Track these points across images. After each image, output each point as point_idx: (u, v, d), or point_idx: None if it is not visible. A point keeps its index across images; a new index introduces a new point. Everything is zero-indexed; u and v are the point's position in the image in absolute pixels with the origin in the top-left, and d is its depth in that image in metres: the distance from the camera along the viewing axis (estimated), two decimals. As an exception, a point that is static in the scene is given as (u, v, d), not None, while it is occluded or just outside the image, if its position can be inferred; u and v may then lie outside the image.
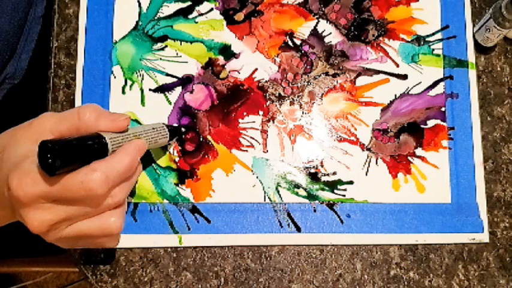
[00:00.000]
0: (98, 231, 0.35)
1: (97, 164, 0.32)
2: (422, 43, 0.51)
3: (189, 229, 0.46)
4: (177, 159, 0.47)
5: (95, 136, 0.33)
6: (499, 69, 0.52)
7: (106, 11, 0.50)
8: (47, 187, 0.32)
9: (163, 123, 0.44)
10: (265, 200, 0.47)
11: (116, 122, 0.35)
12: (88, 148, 0.33)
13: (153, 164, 0.47)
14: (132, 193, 0.46)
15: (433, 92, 0.50)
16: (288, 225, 0.47)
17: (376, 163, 0.49)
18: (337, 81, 0.50)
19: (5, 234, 0.63)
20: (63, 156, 0.31)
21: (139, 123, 0.48)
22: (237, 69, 0.49)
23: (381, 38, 0.51)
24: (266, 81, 0.49)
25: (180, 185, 0.47)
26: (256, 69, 0.50)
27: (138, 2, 0.50)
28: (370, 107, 0.50)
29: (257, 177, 0.47)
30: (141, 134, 0.38)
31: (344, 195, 0.48)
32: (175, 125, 0.47)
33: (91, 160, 0.32)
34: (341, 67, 0.50)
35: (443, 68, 0.51)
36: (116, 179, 0.33)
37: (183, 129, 0.47)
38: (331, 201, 0.47)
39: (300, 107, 0.49)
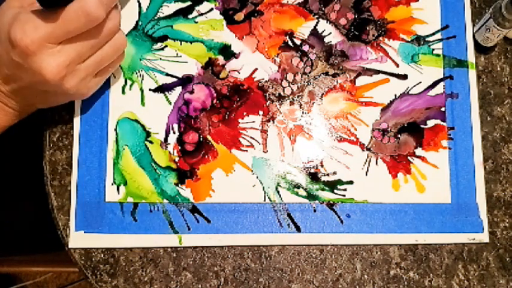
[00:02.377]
0: (112, 52, 0.38)
1: None
2: (422, 43, 0.51)
3: (189, 229, 0.46)
4: (177, 159, 0.47)
5: None
6: (499, 69, 0.52)
7: (106, 11, 0.50)
8: (50, 26, 0.33)
9: None
10: (265, 200, 0.47)
11: None
12: None
13: (153, 164, 0.47)
14: (132, 193, 0.46)
15: (433, 92, 0.50)
16: (288, 225, 0.47)
17: (376, 163, 0.49)
18: (337, 81, 0.50)
19: (5, 234, 0.63)
20: None
21: (139, 123, 0.48)
22: (237, 69, 0.49)
23: (380, 38, 0.51)
24: (266, 81, 0.49)
25: (180, 185, 0.47)
26: (256, 69, 0.50)
27: (138, 2, 0.50)
28: (370, 107, 0.50)
29: (257, 177, 0.47)
30: None
31: (344, 195, 0.48)
32: None
33: None
34: (341, 67, 0.50)
35: (443, 68, 0.51)
36: (109, 1, 0.35)
37: None
38: (331, 201, 0.47)
39: (300, 107, 0.49)
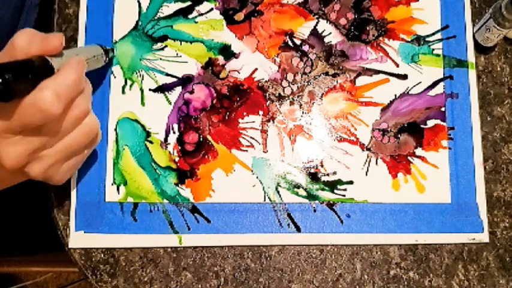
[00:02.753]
0: (82, 137, 0.36)
1: (45, 83, 0.32)
2: (422, 43, 0.51)
3: (189, 229, 0.46)
4: (177, 159, 0.47)
5: (36, 59, 0.33)
6: (499, 69, 0.52)
7: (106, 11, 0.50)
8: (5, 119, 0.31)
9: (98, 44, 0.45)
10: (265, 200, 0.47)
11: (47, 41, 0.34)
12: (35, 69, 0.32)
13: (153, 164, 0.47)
14: (132, 193, 0.46)
15: (433, 92, 0.50)
16: (288, 225, 0.47)
17: (376, 163, 0.49)
18: (337, 81, 0.50)
19: (5, 234, 0.63)
20: (14, 79, 0.30)
21: (139, 123, 0.48)
22: (237, 69, 0.49)
23: (380, 38, 0.51)
24: (266, 81, 0.49)
25: (180, 185, 0.47)
26: (256, 69, 0.50)
27: (138, 2, 0.50)
28: (370, 107, 0.50)
29: (257, 177, 0.47)
30: (78, 54, 0.39)
31: (344, 195, 0.48)
32: (108, 47, 0.47)
33: (40, 81, 0.32)
34: (341, 67, 0.50)
35: (443, 68, 0.51)
36: (68, 94, 0.33)
37: (115, 50, 0.48)
38: (331, 201, 0.47)
39: (300, 107, 0.49)
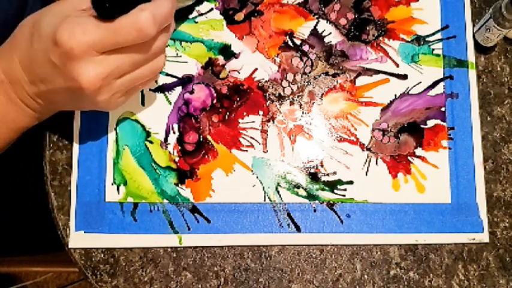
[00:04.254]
0: (150, 73, 0.38)
1: (145, 6, 0.33)
2: (422, 43, 0.51)
3: (189, 229, 0.46)
4: (177, 159, 0.47)
5: None
6: (499, 69, 0.52)
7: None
8: (99, 34, 0.32)
9: None
10: (265, 200, 0.47)
11: None
12: None
13: (153, 164, 0.47)
14: (132, 193, 0.46)
15: (433, 92, 0.50)
16: (288, 225, 0.47)
17: (376, 163, 0.49)
18: (337, 81, 0.50)
19: (5, 234, 0.63)
20: None
21: (139, 123, 0.48)
22: (237, 69, 0.49)
23: (380, 38, 0.51)
24: (266, 81, 0.49)
25: (180, 185, 0.47)
26: (256, 69, 0.50)
27: (138, 2, 0.50)
28: (370, 107, 0.50)
29: (257, 177, 0.47)
30: None
31: (344, 195, 0.48)
32: None
33: (138, 5, 0.33)
34: (341, 67, 0.50)
35: (443, 68, 0.51)
36: (162, 21, 0.34)
37: None
38: (331, 201, 0.47)
39: (300, 107, 0.49)
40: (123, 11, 0.33)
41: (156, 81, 0.49)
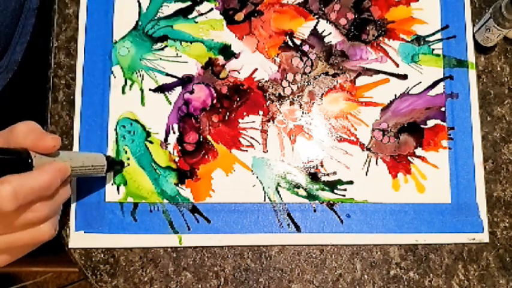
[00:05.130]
0: (28, 240, 0.35)
1: (9, 178, 0.31)
2: (422, 43, 0.51)
3: (189, 229, 0.46)
4: (177, 159, 0.47)
5: (22, 152, 0.33)
6: (499, 69, 0.52)
7: (106, 10, 0.50)
8: None
9: (105, 155, 0.43)
10: (265, 200, 0.47)
11: (42, 139, 0.34)
12: (10, 161, 0.32)
13: (153, 164, 0.47)
14: (132, 193, 0.46)
15: (433, 92, 0.50)
16: (288, 225, 0.47)
17: (376, 163, 0.49)
18: (337, 81, 0.50)
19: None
20: None
21: (139, 123, 0.48)
22: (237, 69, 0.49)
23: (380, 38, 0.51)
24: (266, 81, 0.49)
25: (180, 185, 0.47)
26: (256, 69, 0.50)
27: (138, 2, 0.50)
28: (370, 107, 0.50)
29: (257, 177, 0.47)
30: (72, 160, 0.38)
31: (344, 195, 0.48)
32: (119, 160, 0.47)
33: (10, 173, 0.32)
34: (341, 67, 0.50)
35: (443, 68, 0.51)
36: (28, 195, 0.32)
37: (125, 164, 0.47)
38: (331, 201, 0.47)
39: (300, 107, 0.49)
40: None
41: (156, 82, 0.49)
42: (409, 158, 0.49)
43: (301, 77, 0.50)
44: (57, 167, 0.35)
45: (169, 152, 0.47)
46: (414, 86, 0.50)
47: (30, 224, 0.35)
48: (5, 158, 0.32)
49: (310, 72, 0.50)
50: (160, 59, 0.49)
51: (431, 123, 0.50)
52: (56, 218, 0.37)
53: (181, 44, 0.50)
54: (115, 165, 0.45)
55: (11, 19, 0.47)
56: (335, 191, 0.48)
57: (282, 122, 0.49)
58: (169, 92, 0.49)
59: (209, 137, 0.48)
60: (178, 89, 0.49)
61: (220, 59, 0.49)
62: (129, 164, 0.47)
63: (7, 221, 0.33)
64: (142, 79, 0.49)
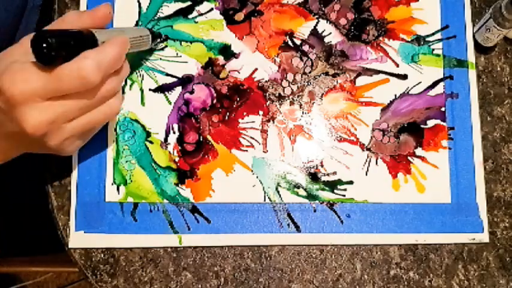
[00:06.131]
0: (103, 117, 0.37)
1: (88, 53, 0.33)
2: (422, 43, 0.51)
3: (189, 229, 0.46)
4: (177, 159, 0.47)
5: (84, 31, 0.35)
6: (499, 69, 0.52)
7: (106, 11, 0.50)
8: (41, 81, 0.32)
9: (148, 28, 0.45)
10: (265, 200, 0.47)
11: (97, 11, 0.36)
12: (79, 40, 0.34)
13: (153, 164, 0.47)
14: (132, 193, 0.46)
15: (433, 92, 0.50)
16: (288, 225, 0.47)
17: (376, 163, 0.49)
18: (337, 81, 0.50)
19: (6, 234, 0.63)
20: (58, 44, 0.32)
21: (139, 123, 0.48)
22: (237, 69, 0.49)
23: (380, 38, 0.51)
24: (266, 81, 0.49)
25: (180, 185, 0.47)
26: (256, 69, 0.50)
27: (138, 2, 0.50)
28: (370, 107, 0.50)
29: (257, 177, 0.47)
30: (125, 32, 0.39)
31: (344, 195, 0.48)
32: (157, 32, 0.48)
33: (82, 51, 0.33)
34: (341, 67, 0.50)
35: (443, 68, 0.51)
36: (107, 67, 0.34)
37: (163, 36, 0.48)
38: (331, 201, 0.47)
39: (300, 107, 0.49)
40: (66, 58, 0.32)
41: (156, 82, 0.49)
42: (409, 158, 0.49)
43: (301, 77, 0.50)
44: (120, 40, 0.36)
45: (169, 152, 0.47)
46: (414, 86, 0.50)
47: (104, 99, 0.36)
48: (73, 36, 0.33)
49: (310, 72, 0.50)
50: (160, 59, 0.49)
51: (431, 123, 0.50)
52: (120, 93, 0.39)
53: (181, 44, 0.50)
54: (156, 37, 0.46)
55: (14, 16, 0.48)
56: (335, 191, 0.48)
57: (282, 122, 0.49)
58: (169, 92, 0.49)
59: (209, 137, 0.48)
60: (178, 89, 0.49)
61: (220, 59, 0.49)
62: (167, 38, 0.49)
63: (88, 98, 0.35)
64: (142, 79, 0.49)
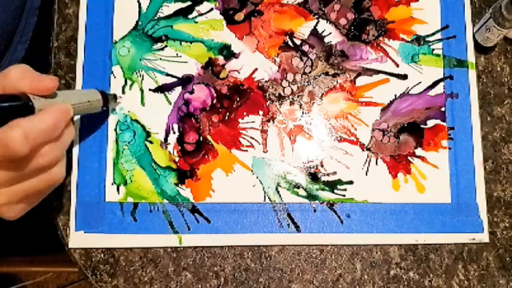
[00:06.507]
0: (43, 186, 0.35)
1: (18, 121, 0.31)
2: (422, 43, 0.51)
3: (189, 229, 0.46)
4: (177, 159, 0.47)
5: (21, 96, 0.33)
6: (499, 69, 0.52)
7: (106, 10, 0.50)
8: None
9: (97, 89, 0.43)
10: (265, 200, 0.47)
11: (40, 81, 0.34)
12: (13, 105, 0.32)
13: (153, 164, 0.47)
14: (132, 193, 0.46)
15: (433, 92, 0.50)
16: (288, 225, 0.47)
17: (376, 163, 0.49)
18: (337, 81, 0.50)
19: (5, 235, 0.63)
20: None
21: (139, 123, 0.48)
22: (237, 69, 0.49)
23: (380, 38, 0.51)
24: (266, 81, 0.49)
25: (180, 185, 0.47)
26: (256, 69, 0.50)
27: (138, 1, 0.50)
28: (370, 107, 0.50)
29: (257, 177, 0.47)
30: (68, 98, 0.38)
31: (344, 195, 0.48)
32: (111, 93, 0.47)
33: (15, 117, 0.32)
34: (341, 67, 0.50)
35: (443, 68, 0.51)
36: (38, 138, 0.32)
37: (118, 96, 0.47)
38: (331, 201, 0.47)
39: (300, 107, 0.49)
40: None
41: (156, 82, 0.49)
42: (409, 158, 0.49)
43: (301, 77, 0.50)
44: (59, 108, 0.35)
45: (169, 152, 0.47)
46: (414, 86, 0.50)
47: (42, 169, 0.35)
48: (6, 103, 0.32)
49: (310, 72, 0.50)
50: (160, 59, 0.49)
51: (431, 123, 0.50)
52: (64, 160, 0.37)
53: (181, 44, 0.50)
54: (109, 99, 0.45)
55: (13, 18, 0.47)
56: (335, 191, 0.48)
57: (282, 122, 0.49)
58: (169, 92, 0.49)
59: (209, 137, 0.48)
60: (178, 89, 0.49)
61: (220, 59, 0.49)
62: (121, 97, 0.47)
63: (20, 168, 0.33)
64: (142, 79, 0.49)
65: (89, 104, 0.41)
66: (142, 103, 0.48)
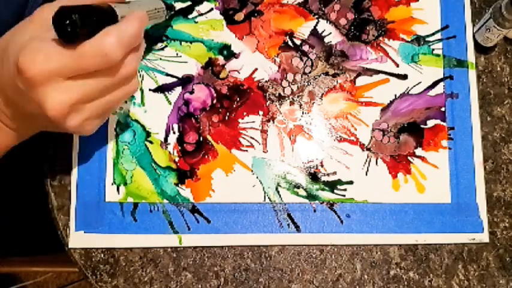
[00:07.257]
0: (122, 97, 0.36)
1: (109, 29, 0.32)
2: (422, 43, 0.51)
3: (189, 229, 0.46)
4: (177, 159, 0.47)
5: (104, 6, 0.33)
6: (499, 69, 0.52)
7: (106, 11, 0.50)
8: (62, 60, 0.31)
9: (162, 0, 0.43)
10: (265, 200, 0.47)
11: None
12: (100, 16, 0.32)
13: (153, 164, 0.47)
14: (132, 193, 0.46)
15: (433, 92, 0.50)
16: (288, 225, 0.47)
17: (376, 163, 0.49)
18: (337, 81, 0.50)
19: (5, 235, 0.63)
20: (82, 21, 0.30)
21: (139, 123, 0.48)
22: (237, 69, 0.49)
23: (380, 38, 0.51)
24: (266, 81, 0.49)
25: (180, 185, 0.47)
26: (256, 69, 0.50)
27: (138, 2, 0.50)
28: (370, 107, 0.50)
29: (257, 177, 0.47)
30: (141, 6, 0.38)
31: (344, 195, 0.48)
32: (169, 3, 0.47)
33: (103, 27, 0.32)
34: (341, 67, 0.50)
35: (443, 68, 0.51)
36: (128, 43, 0.33)
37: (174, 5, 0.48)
38: (331, 201, 0.47)
39: (300, 107, 0.49)
40: (87, 35, 0.31)
41: (156, 82, 0.49)
42: (409, 158, 0.49)
43: (301, 77, 0.50)
44: (139, 15, 0.35)
45: (169, 152, 0.47)
46: (414, 86, 0.50)
47: (125, 80, 0.35)
48: (95, 12, 0.32)
49: (310, 72, 0.50)
50: (160, 59, 0.49)
51: (431, 123, 0.50)
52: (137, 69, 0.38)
53: (181, 44, 0.50)
54: (168, 8, 0.45)
55: (17, 11, 0.47)
56: (335, 191, 0.48)
57: (282, 122, 0.49)
58: (169, 92, 0.49)
59: (209, 137, 0.48)
60: (178, 89, 0.49)
61: (220, 59, 0.49)
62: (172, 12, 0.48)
63: (109, 79, 0.33)
64: (142, 79, 0.49)
65: (156, 12, 0.41)
66: (143, 103, 0.48)
